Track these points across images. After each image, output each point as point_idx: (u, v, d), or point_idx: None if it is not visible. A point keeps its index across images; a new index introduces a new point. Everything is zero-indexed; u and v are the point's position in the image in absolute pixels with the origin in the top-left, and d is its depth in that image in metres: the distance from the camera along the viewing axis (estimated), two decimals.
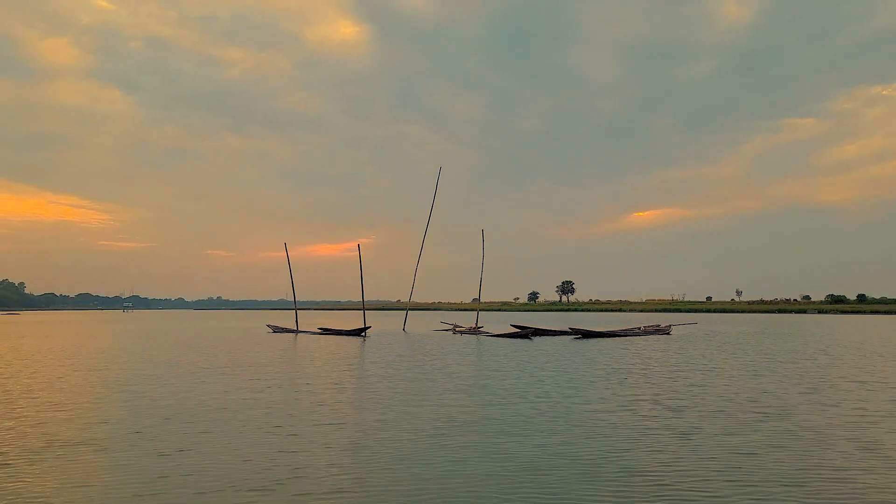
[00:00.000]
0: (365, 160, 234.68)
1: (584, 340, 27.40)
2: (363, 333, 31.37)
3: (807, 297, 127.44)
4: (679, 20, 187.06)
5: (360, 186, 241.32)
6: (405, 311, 40.68)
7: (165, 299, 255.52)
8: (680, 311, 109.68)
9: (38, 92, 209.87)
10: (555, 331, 32.00)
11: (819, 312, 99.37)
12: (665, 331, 33.78)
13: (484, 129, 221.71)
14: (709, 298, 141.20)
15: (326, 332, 33.63)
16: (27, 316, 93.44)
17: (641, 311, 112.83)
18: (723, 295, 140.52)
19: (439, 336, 30.94)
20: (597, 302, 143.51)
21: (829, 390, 11.23)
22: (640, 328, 34.21)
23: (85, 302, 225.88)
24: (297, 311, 37.54)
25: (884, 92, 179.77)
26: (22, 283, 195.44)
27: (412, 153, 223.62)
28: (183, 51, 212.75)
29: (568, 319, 62.07)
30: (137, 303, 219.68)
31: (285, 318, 47.18)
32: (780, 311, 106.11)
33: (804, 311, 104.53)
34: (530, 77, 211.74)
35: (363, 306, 34.33)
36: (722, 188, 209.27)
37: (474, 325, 34.33)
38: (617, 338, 29.43)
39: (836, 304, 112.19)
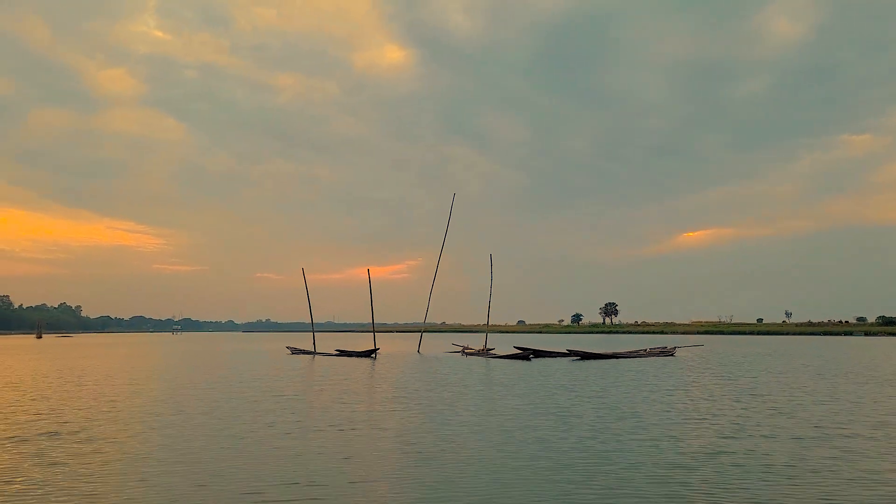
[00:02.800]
0: (412, 183, 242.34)
1: (579, 362, 27.60)
2: (373, 355, 32.44)
3: (861, 319, 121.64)
4: (729, 37, 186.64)
5: (407, 208, 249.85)
6: (420, 334, 41.23)
7: (216, 322, 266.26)
8: (724, 333, 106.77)
9: (96, 120, 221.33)
10: (554, 352, 32.42)
11: (866, 335, 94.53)
12: (669, 352, 33.76)
13: (530, 150, 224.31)
14: (760, 320, 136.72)
15: (342, 353, 34.39)
16: (80, 338, 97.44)
17: (685, 332, 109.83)
18: (774, 316, 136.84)
19: (446, 358, 31.63)
20: (643, 324, 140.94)
21: (711, 404, 11.93)
22: (645, 350, 34.23)
23: (138, 324, 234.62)
24: (315, 334, 38.45)
25: None
26: (79, 307, 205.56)
27: (458, 175, 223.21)
28: (235, 78, 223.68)
29: (604, 342, 62.40)
30: (188, 325, 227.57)
31: (321, 340, 47.08)
32: (825, 334, 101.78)
33: (851, 334, 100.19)
34: (576, 98, 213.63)
35: (373, 328, 34.86)
36: (773, 207, 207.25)
37: (483, 347, 35.04)
38: (616, 360, 29.44)
39: (886, 325, 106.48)
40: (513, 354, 30.64)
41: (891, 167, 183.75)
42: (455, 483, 5.96)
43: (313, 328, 38.91)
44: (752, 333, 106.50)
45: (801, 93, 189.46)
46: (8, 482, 5.95)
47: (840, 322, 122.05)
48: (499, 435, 8.71)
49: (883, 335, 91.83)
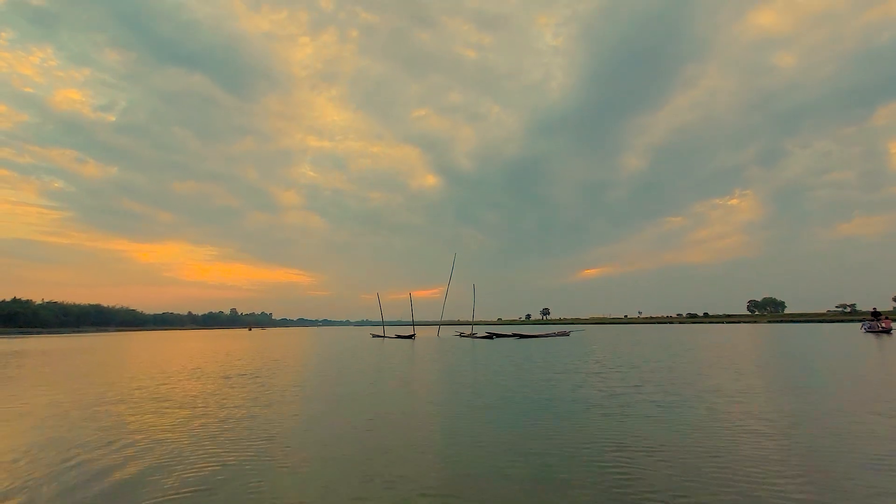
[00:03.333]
0: (440, 247, 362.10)
1: (518, 339, 32.93)
2: (412, 337, 40.26)
3: (690, 314, 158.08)
4: (605, 168, 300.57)
5: (437, 260, 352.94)
6: (439, 326, 52.98)
7: (340, 320, 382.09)
8: (603, 323, 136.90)
9: (280, 218, 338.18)
10: (506, 334, 38.76)
11: (680, 323, 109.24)
12: (566, 334, 39.82)
13: (501, 229, 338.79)
14: (625, 316, 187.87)
15: (399, 336, 42.68)
16: (272, 330, 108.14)
17: (583, 323, 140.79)
18: (631, 312, 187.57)
19: (452, 338, 38.13)
20: (562, 319, 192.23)
21: (572, 349, 15.75)
22: (555, 332, 40.70)
23: (301, 323, 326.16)
24: (385, 327, 48.76)
25: None
26: (271, 313, 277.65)
27: (467, 243, 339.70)
28: (349, 193, 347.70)
29: (537, 329, 71.72)
30: (325, 323, 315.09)
31: (389, 329, 55.92)
32: (660, 323, 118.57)
33: (671, 323, 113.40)
34: (525, 200, 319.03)
35: (412, 322, 45.57)
36: (630, 256, 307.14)
37: (471, 333, 43.09)
38: (537, 338, 35.35)
39: (691, 318, 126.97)
40: (484, 336, 37.24)
41: (693, 235, 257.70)
42: (458, 375, 9.17)
43: (383, 324, 49.02)
44: (619, 323, 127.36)
45: (642, 196, 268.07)
46: (210, 394, 8.75)
47: (667, 316, 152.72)
48: (471, 363, 11.79)
49: (689, 323, 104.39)
